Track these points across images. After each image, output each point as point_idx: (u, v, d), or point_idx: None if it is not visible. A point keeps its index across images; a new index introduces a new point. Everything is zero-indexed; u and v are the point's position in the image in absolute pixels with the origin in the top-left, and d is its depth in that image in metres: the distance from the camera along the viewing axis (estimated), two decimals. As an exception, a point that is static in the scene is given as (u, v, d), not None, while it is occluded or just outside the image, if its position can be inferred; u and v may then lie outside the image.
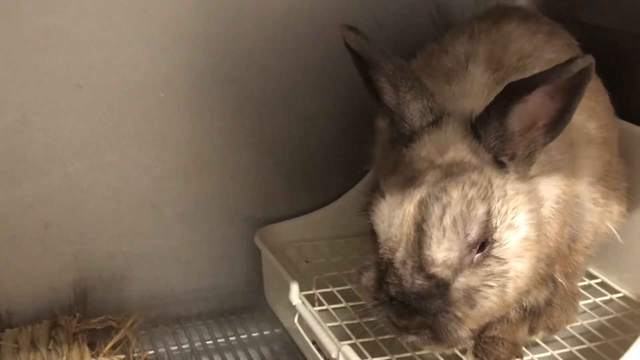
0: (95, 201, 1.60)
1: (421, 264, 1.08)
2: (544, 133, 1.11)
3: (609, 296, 1.54)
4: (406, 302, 1.08)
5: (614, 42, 1.60)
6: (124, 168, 1.60)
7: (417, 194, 1.10)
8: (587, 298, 1.54)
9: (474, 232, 1.07)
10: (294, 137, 1.72)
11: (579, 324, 1.46)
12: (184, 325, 1.68)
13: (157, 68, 1.57)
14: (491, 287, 1.10)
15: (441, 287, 1.08)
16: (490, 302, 1.10)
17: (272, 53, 1.64)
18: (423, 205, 1.09)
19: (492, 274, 1.10)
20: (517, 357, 1.34)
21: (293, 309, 1.45)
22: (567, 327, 1.44)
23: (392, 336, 1.36)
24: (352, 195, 1.74)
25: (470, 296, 1.09)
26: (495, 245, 1.09)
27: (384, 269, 1.11)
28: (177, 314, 1.71)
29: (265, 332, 1.67)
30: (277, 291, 1.62)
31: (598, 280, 1.58)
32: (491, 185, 1.10)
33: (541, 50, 1.34)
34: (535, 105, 1.07)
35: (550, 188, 1.19)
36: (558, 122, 1.09)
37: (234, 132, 1.66)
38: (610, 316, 1.48)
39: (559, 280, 1.30)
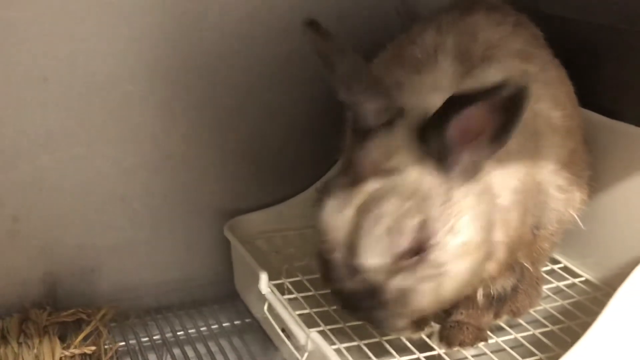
0: (63, 194, 1.59)
1: (354, 269, 1.12)
2: (486, 145, 1.11)
3: (571, 280, 1.57)
4: (345, 298, 1.15)
5: (575, 32, 1.62)
6: (92, 161, 1.60)
7: (358, 199, 1.12)
8: (551, 282, 1.57)
9: (406, 242, 1.10)
10: (262, 129, 1.73)
11: (542, 307, 1.49)
12: (154, 317, 1.69)
13: (123, 61, 1.57)
14: (425, 287, 1.13)
15: (373, 290, 1.12)
16: (424, 300, 1.14)
17: (238, 46, 1.65)
18: (361, 212, 1.11)
19: (428, 276, 1.12)
20: (482, 341, 1.37)
21: (263, 298, 1.46)
22: (531, 311, 1.47)
23: (361, 322, 1.40)
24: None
25: (404, 295, 1.12)
26: (433, 249, 1.11)
27: (326, 266, 1.16)
28: (148, 305, 1.71)
29: (236, 322, 1.68)
30: (247, 281, 1.63)
31: (561, 265, 1.61)
32: (431, 193, 1.11)
33: (506, 40, 1.35)
34: (475, 119, 1.08)
35: (507, 180, 1.20)
36: (499, 136, 1.10)
37: (202, 124, 1.67)
38: (573, 300, 1.51)
39: (526, 266, 1.33)
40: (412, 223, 1.09)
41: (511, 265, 1.29)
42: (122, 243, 1.67)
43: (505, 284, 1.33)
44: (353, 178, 1.14)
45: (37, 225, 1.59)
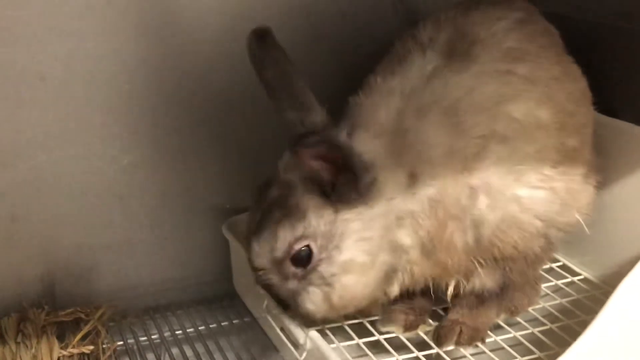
0: (61, 193, 1.59)
1: (253, 266, 1.29)
2: (352, 178, 1.21)
3: (570, 278, 1.57)
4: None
5: (575, 30, 1.62)
6: (90, 160, 1.60)
7: (264, 205, 1.27)
8: (550, 281, 1.57)
9: (280, 250, 1.24)
10: (261, 127, 1.73)
11: (541, 306, 1.49)
12: (153, 316, 1.69)
13: (121, 60, 1.56)
14: (313, 294, 1.25)
15: (270, 286, 1.28)
16: (313, 305, 1.26)
17: (236, 45, 1.63)
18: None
19: (315, 285, 1.25)
20: (478, 341, 1.37)
21: (261, 297, 1.45)
22: (529, 310, 1.48)
23: (359, 321, 1.40)
24: (319, 184, 1.76)
25: (295, 298, 1.27)
26: (322, 262, 1.24)
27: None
28: (146, 305, 1.71)
29: (234, 321, 1.67)
30: (245, 280, 1.62)
31: (559, 263, 1.62)
32: (311, 212, 1.23)
33: (500, 37, 1.34)
34: (324, 156, 1.21)
35: (419, 190, 1.25)
36: (354, 172, 1.21)
37: (200, 122, 1.67)
38: (572, 298, 1.52)
39: (509, 267, 1.34)
40: (288, 235, 1.23)
41: (470, 266, 1.30)
42: (120, 242, 1.67)
43: (485, 283, 1.34)
44: (268, 182, 1.30)
45: (35, 224, 1.59)
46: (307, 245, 1.23)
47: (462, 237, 1.27)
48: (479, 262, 1.30)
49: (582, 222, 1.37)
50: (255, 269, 1.28)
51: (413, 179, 1.24)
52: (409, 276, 1.29)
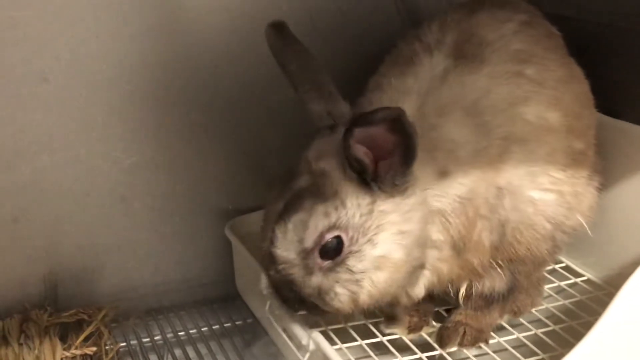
0: (64, 195, 1.59)
1: (273, 258, 1.19)
2: (398, 163, 1.15)
3: (573, 279, 1.57)
4: (274, 287, 1.23)
5: (577, 31, 1.61)
6: (93, 161, 1.60)
7: (288, 195, 1.19)
8: (552, 282, 1.57)
9: (311, 240, 1.16)
10: (263, 128, 1.73)
11: (544, 307, 1.49)
12: (155, 317, 1.69)
13: (124, 61, 1.56)
14: (340, 290, 1.18)
15: (291, 282, 1.19)
16: (339, 303, 1.19)
17: (239, 45, 1.65)
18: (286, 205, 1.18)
19: (343, 280, 1.18)
20: (482, 342, 1.37)
21: (264, 298, 1.45)
22: (533, 311, 1.48)
23: (362, 322, 1.40)
24: (322, 185, 1.76)
25: (321, 294, 1.19)
26: (352, 255, 1.17)
27: (261, 254, 1.24)
28: (149, 306, 1.71)
29: (237, 322, 1.68)
30: (248, 281, 1.63)
31: (563, 264, 1.62)
32: (349, 202, 1.16)
33: (507, 39, 1.35)
34: (373, 139, 1.14)
35: (449, 189, 1.22)
36: (404, 156, 1.15)
37: (202, 123, 1.67)
38: (575, 299, 1.51)
39: (519, 268, 1.32)
40: (320, 223, 1.16)
41: (487, 268, 1.29)
42: (123, 243, 1.67)
43: (495, 285, 1.34)
44: (292, 173, 1.22)
45: (38, 225, 1.59)
46: (338, 236, 1.16)
47: (489, 237, 1.27)
48: (497, 264, 1.29)
49: (585, 225, 1.37)
50: (273, 264, 1.20)
51: (444, 176, 1.22)
52: (437, 276, 1.26)
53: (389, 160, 1.15)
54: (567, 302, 1.51)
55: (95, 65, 1.55)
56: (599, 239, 1.49)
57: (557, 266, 1.61)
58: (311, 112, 1.24)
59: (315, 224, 1.15)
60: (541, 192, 1.28)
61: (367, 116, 1.10)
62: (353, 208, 1.16)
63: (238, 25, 1.63)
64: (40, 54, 1.50)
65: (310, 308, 1.22)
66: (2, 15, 1.46)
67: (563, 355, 1.18)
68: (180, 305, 1.73)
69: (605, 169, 1.44)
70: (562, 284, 1.56)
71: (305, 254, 1.17)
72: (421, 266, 1.23)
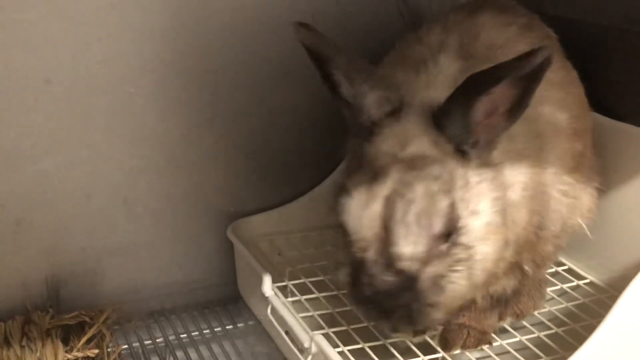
0: (66, 197, 1.59)
1: (390, 261, 1.10)
2: (504, 119, 1.12)
3: (575, 282, 1.57)
4: (379, 302, 1.11)
5: (579, 33, 1.62)
6: (95, 164, 1.60)
7: (383, 191, 1.11)
8: (555, 284, 1.57)
9: (438, 225, 1.09)
10: (265, 130, 1.73)
11: (546, 310, 1.49)
12: (157, 320, 1.69)
13: (126, 63, 1.56)
14: (458, 272, 1.12)
15: (410, 280, 1.10)
16: (458, 286, 1.13)
17: (241, 47, 1.65)
18: (389, 202, 1.10)
19: (459, 260, 1.12)
20: (485, 344, 1.36)
21: (266, 301, 1.46)
22: (535, 313, 1.47)
23: (364, 325, 1.40)
24: (324, 187, 1.76)
25: (438, 283, 1.11)
26: (460, 232, 1.11)
27: (357, 267, 1.13)
28: (151, 308, 1.71)
29: (239, 325, 1.68)
30: (250, 284, 1.63)
31: (565, 267, 1.61)
32: (453, 177, 1.12)
33: (514, 41, 1.35)
34: (497, 94, 1.09)
35: (516, 175, 1.21)
36: (517, 107, 1.11)
37: (204, 126, 1.67)
38: (577, 302, 1.51)
39: (526, 268, 1.32)
40: (442, 205, 1.09)
41: (513, 266, 1.28)
42: (125, 245, 1.67)
43: (506, 284, 1.33)
44: (372, 172, 1.13)
45: (40, 228, 1.59)
46: (454, 212, 1.11)
47: (529, 232, 1.27)
48: (516, 262, 1.28)
49: (585, 227, 1.37)
50: (389, 267, 1.10)
51: (503, 166, 1.20)
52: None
53: (490, 122, 1.12)
54: (570, 304, 1.50)
55: (98, 68, 1.55)
56: (601, 242, 1.49)
57: (559, 269, 1.61)
58: (368, 102, 1.17)
59: (437, 206, 1.09)
60: (556, 192, 1.29)
61: (510, 65, 1.05)
62: (456, 181, 1.12)
63: (239, 27, 1.64)
64: (42, 56, 1.51)
65: (419, 312, 1.12)
66: (5, 17, 1.46)
67: (566, 358, 1.18)
68: (182, 308, 1.73)
69: (606, 171, 1.44)
70: (565, 286, 1.56)
71: (433, 241, 1.10)
72: (508, 243, 1.19)
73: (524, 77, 1.07)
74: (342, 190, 1.16)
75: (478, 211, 1.13)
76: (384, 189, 1.11)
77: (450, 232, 1.10)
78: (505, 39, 1.35)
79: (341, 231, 1.16)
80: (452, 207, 1.10)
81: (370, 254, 1.11)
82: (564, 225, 1.34)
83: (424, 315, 1.12)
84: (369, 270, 1.11)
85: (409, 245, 1.09)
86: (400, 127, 1.16)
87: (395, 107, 1.17)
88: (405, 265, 1.09)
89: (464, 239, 1.12)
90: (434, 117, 1.14)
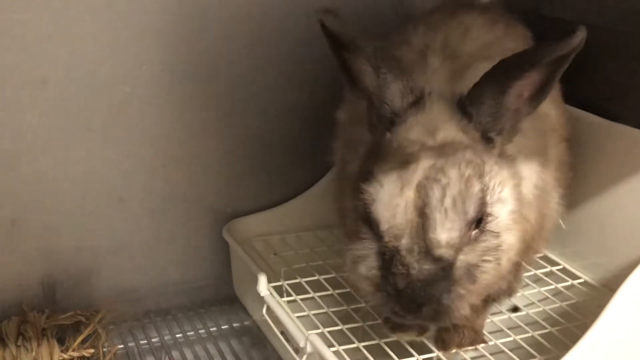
0: (62, 196, 1.59)
1: (427, 248, 1.08)
2: (528, 103, 1.13)
3: (570, 282, 1.57)
4: (413, 293, 1.08)
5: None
6: (91, 163, 1.60)
7: (415, 178, 1.09)
8: (549, 284, 1.57)
9: (472, 210, 1.09)
10: (261, 131, 1.73)
11: (541, 309, 1.49)
12: (153, 319, 1.69)
13: (122, 63, 1.56)
14: (488, 261, 1.12)
15: (446, 268, 1.08)
16: (488, 275, 1.12)
17: (236, 47, 1.65)
18: (422, 189, 1.09)
19: (488, 249, 1.12)
20: (479, 343, 1.37)
21: (261, 301, 1.46)
22: (530, 313, 1.48)
23: (359, 324, 1.40)
24: (319, 188, 1.76)
25: (471, 272, 1.11)
26: (489, 219, 1.12)
27: (389, 258, 1.10)
28: (146, 308, 1.71)
29: (234, 325, 1.68)
30: (245, 283, 1.63)
31: (560, 267, 1.62)
32: (483, 162, 1.12)
33: (501, 39, 1.36)
34: (525, 79, 1.09)
35: (527, 170, 1.22)
36: (540, 92, 1.12)
37: (200, 126, 1.67)
38: (572, 301, 1.51)
39: (523, 264, 1.32)
40: (476, 189, 1.09)
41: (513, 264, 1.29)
42: (121, 245, 1.67)
43: (502, 284, 1.32)
44: (401, 160, 1.12)
45: (36, 227, 1.59)
46: (485, 200, 1.11)
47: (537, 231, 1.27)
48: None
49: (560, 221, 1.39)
50: (427, 256, 1.08)
51: (516, 161, 1.21)
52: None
53: (515, 107, 1.13)
54: (564, 304, 1.51)
55: (94, 68, 1.55)
56: (596, 242, 1.50)
57: (554, 268, 1.61)
58: (391, 92, 1.16)
59: (471, 191, 1.09)
60: (556, 192, 1.31)
61: (560, 43, 1.06)
62: (484, 168, 1.12)
63: (236, 27, 1.64)
64: (38, 56, 1.50)
65: (451, 303, 1.10)
66: (1, 17, 1.46)
67: (560, 357, 1.18)
68: (178, 308, 1.73)
69: (602, 172, 1.45)
70: (559, 286, 1.56)
71: (468, 227, 1.09)
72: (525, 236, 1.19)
73: (553, 61, 1.07)
74: (369, 180, 1.13)
75: (503, 199, 1.13)
76: (416, 176, 1.10)
77: (480, 219, 1.10)
78: (494, 37, 1.35)
79: (366, 221, 1.14)
80: (483, 192, 1.10)
81: (405, 242, 1.09)
82: (555, 222, 1.36)
83: (453, 309, 1.10)
84: (403, 260, 1.09)
85: (446, 231, 1.08)
86: (426, 115, 1.16)
87: (417, 97, 1.17)
88: (443, 252, 1.08)
89: (492, 225, 1.12)
90: (460, 105, 1.14)
